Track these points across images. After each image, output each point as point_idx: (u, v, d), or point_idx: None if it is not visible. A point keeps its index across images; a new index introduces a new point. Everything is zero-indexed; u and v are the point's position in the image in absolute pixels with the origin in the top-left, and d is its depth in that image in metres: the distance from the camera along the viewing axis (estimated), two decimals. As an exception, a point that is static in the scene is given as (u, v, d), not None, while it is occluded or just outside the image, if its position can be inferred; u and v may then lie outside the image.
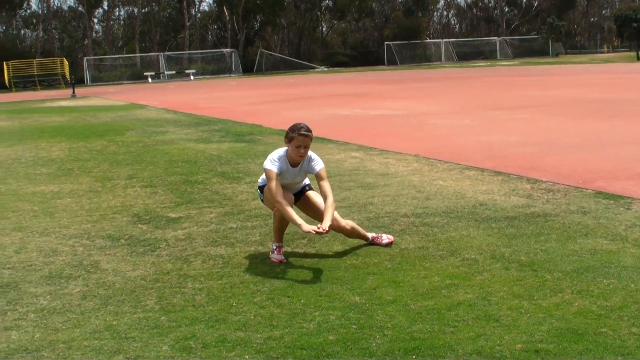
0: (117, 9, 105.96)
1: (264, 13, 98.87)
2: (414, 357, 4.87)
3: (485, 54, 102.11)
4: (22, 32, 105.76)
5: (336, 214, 7.39)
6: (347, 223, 7.62)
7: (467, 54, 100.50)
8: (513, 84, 38.48)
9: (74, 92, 50.50)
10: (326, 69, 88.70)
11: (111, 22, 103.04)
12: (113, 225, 9.17)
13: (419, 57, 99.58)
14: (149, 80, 77.65)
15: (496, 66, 71.24)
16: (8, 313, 6.06)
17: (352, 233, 7.65)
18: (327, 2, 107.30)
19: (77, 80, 66.24)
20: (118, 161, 15.11)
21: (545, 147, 14.11)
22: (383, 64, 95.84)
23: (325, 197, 7.17)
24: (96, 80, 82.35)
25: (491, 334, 5.16)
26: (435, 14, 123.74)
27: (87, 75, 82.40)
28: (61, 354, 5.17)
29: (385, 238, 7.74)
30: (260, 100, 34.03)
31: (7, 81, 73.43)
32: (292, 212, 7.07)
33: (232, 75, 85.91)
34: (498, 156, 13.24)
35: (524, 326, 5.27)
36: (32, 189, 12.20)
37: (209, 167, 13.53)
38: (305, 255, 7.44)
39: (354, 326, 5.39)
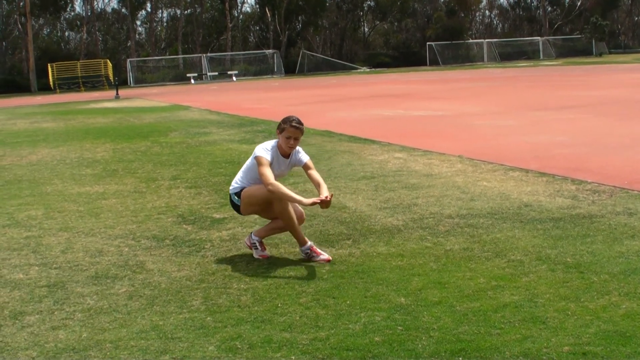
0: (160, 10, 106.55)
1: (306, 14, 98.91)
2: (460, 358, 4.85)
3: (528, 54, 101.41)
4: (67, 34, 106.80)
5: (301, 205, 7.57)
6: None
7: (509, 54, 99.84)
8: (557, 84, 38.19)
9: (117, 94, 50.78)
10: (368, 70, 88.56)
11: (154, 24, 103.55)
12: (158, 225, 9.23)
13: (461, 57, 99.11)
14: (192, 81, 77.94)
15: (539, 66, 70.73)
16: (55, 313, 6.12)
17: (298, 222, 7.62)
18: (369, 2, 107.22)
19: (121, 82, 66.57)
20: (162, 162, 15.20)
21: (591, 148, 14.00)
22: (425, 64, 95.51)
23: (318, 183, 7.39)
24: (139, 81, 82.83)
25: (538, 336, 5.13)
26: (477, 14, 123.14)
27: (130, 77, 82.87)
28: (108, 353, 5.21)
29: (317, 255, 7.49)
30: (303, 101, 34.05)
31: (51, 83, 74.08)
32: (288, 190, 7.30)
33: (274, 76, 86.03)
34: (543, 157, 13.14)
35: (571, 328, 5.23)
36: (77, 189, 12.31)
37: (253, 168, 13.51)
38: (350, 256, 7.43)
39: (399, 327, 5.38)
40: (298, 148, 7.60)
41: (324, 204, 7.05)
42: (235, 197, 7.65)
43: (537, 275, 6.48)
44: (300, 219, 7.66)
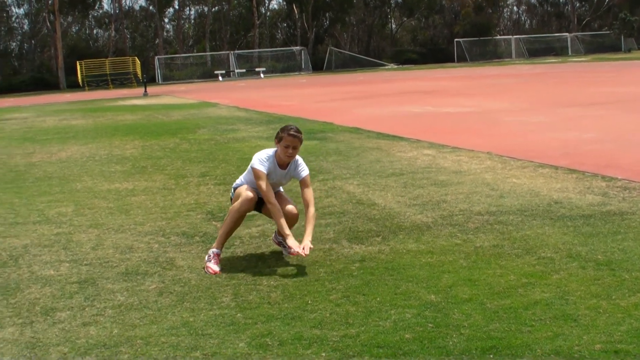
0: (188, 8, 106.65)
1: (334, 10, 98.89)
2: (491, 356, 4.83)
3: (556, 51, 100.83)
4: (95, 32, 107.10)
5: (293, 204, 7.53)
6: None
7: (537, 51, 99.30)
8: (586, 80, 37.96)
9: (145, 91, 50.98)
10: (396, 67, 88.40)
11: (182, 21, 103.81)
12: (187, 222, 9.25)
13: (489, 53, 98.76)
14: (220, 78, 78.11)
15: (568, 62, 70.37)
16: (86, 309, 6.15)
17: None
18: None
19: (149, 79, 66.85)
20: (191, 159, 15.24)
21: (621, 145, 13.91)
22: (453, 61, 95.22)
23: (307, 206, 7.20)
24: (167, 78, 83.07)
25: (569, 333, 5.10)
26: (505, 10, 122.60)
27: (158, 74, 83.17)
28: (139, 349, 5.23)
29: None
30: (331, 98, 34.03)
31: (80, 80, 74.43)
32: (283, 219, 7.12)
33: (301, 73, 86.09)
34: (572, 153, 13.08)
35: (602, 326, 5.20)
36: (107, 186, 12.36)
37: (281, 164, 13.53)
38: (380, 252, 7.42)
39: (430, 325, 5.37)
40: (299, 159, 7.36)
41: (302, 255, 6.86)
42: (233, 190, 7.66)
43: (568, 272, 6.45)
44: (293, 219, 7.45)
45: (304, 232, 7.04)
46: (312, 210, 7.17)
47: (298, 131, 7.21)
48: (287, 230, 7.03)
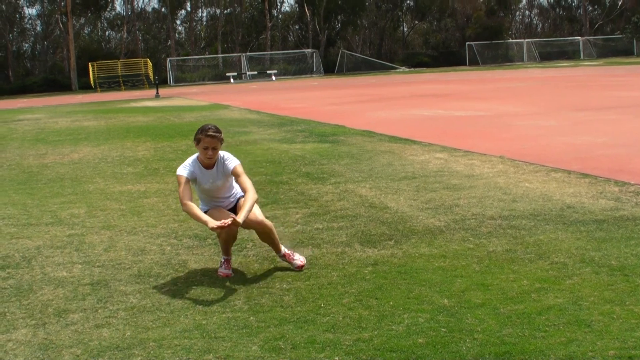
0: (200, 10, 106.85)
1: (345, 13, 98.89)
2: (505, 361, 4.83)
3: (568, 54, 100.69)
4: (107, 33, 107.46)
5: (257, 210, 7.14)
6: (268, 223, 7.17)
7: (549, 54, 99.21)
8: (598, 84, 37.86)
9: (157, 93, 51.06)
10: (407, 70, 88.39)
11: (194, 23, 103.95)
12: (200, 225, 9.24)
13: (501, 57, 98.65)
14: (231, 80, 78.19)
15: (580, 66, 70.25)
16: (99, 311, 6.17)
17: (266, 236, 7.23)
18: (408, 2, 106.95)
19: (161, 81, 67.02)
20: (203, 161, 15.21)
21: (634, 149, 13.87)
22: (464, 64, 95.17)
23: (245, 191, 6.93)
24: (179, 80, 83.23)
25: (583, 339, 5.09)
26: (517, 13, 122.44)
27: (170, 76, 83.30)
28: (152, 352, 5.24)
29: (298, 260, 7.26)
30: (343, 101, 34.04)
31: (92, 81, 74.66)
32: (198, 211, 6.77)
33: (313, 75, 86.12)
34: (585, 158, 13.05)
35: (616, 332, 5.19)
36: (119, 188, 12.38)
37: (293, 167, 13.58)
38: (393, 256, 7.41)
39: (443, 329, 5.36)
40: (224, 155, 7.10)
41: (227, 228, 6.62)
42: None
43: (581, 277, 6.43)
44: (259, 227, 7.11)
45: (240, 211, 6.80)
46: (250, 193, 6.85)
47: (217, 130, 6.97)
48: (205, 217, 6.70)
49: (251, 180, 7.18)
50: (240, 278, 6.93)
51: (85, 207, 10.76)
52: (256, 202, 6.95)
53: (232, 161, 7.08)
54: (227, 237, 7.07)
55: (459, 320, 5.53)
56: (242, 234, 8.57)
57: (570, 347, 4.97)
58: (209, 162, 7.03)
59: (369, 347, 5.12)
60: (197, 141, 6.96)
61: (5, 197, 12.00)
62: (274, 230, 7.26)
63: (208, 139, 6.88)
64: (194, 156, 7.13)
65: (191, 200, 6.83)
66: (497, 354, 4.91)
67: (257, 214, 7.09)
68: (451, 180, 11.47)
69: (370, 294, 6.27)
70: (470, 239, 7.94)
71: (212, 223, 6.52)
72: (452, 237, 8.06)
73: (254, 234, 8.44)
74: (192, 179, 7.04)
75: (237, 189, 7.41)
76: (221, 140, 7.01)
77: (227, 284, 6.76)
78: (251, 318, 5.80)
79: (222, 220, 6.56)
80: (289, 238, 8.30)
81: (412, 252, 7.55)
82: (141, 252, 8.07)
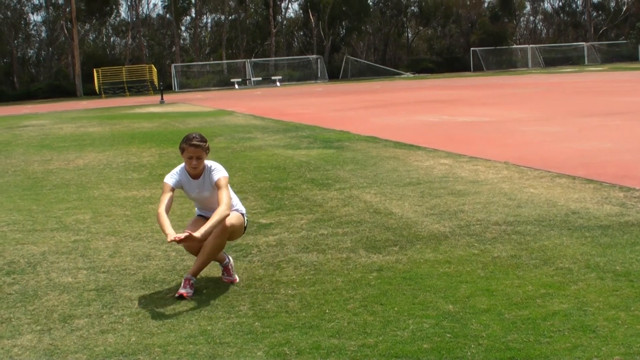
0: (205, 16, 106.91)
1: (350, 19, 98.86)
2: (510, 367, 4.83)
3: (572, 60, 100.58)
4: (112, 39, 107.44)
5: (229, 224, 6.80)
6: (220, 245, 6.85)
7: (554, 60, 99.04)
8: (603, 90, 37.83)
9: (162, 99, 51.08)
10: (412, 75, 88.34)
11: (198, 30, 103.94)
12: (204, 230, 9.25)
13: (505, 63, 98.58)
14: (236, 86, 78.27)
15: (584, 72, 70.15)
16: (104, 316, 6.17)
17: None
18: (412, 8, 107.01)
19: (165, 87, 66.97)
20: (208, 167, 15.22)
21: (638, 155, 13.86)
22: (469, 70, 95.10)
23: (219, 204, 6.66)
24: (184, 86, 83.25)
25: (588, 345, 5.09)
26: (521, 19, 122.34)
27: (174, 82, 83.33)
28: (157, 357, 5.24)
29: (235, 276, 7.10)
30: (347, 107, 34.04)
31: (97, 87, 74.73)
32: (164, 222, 6.59)
33: (318, 81, 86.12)
34: (590, 164, 13.04)
35: (621, 338, 5.18)
36: (124, 193, 12.40)
37: (298, 173, 13.58)
38: (397, 262, 7.41)
39: (448, 335, 5.36)
40: (212, 165, 6.96)
41: (181, 243, 6.47)
42: None
43: (586, 283, 6.43)
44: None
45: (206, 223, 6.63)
46: (221, 208, 6.60)
47: (202, 139, 6.87)
48: (168, 230, 6.49)
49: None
50: (245, 284, 6.93)
51: (91, 213, 10.78)
52: (224, 218, 6.65)
53: (218, 172, 6.92)
54: (189, 250, 7.04)
55: (464, 325, 5.53)
56: (246, 239, 8.59)
57: (575, 353, 4.96)
58: (194, 172, 6.93)
59: (374, 352, 5.12)
60: (182, 150, 6.87)
61: (10, 203, 12.02)
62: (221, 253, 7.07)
63: (192, 148, 6.78)
64: (182, 165, 7.06)
65: (168, 210, 6.78)
66: (502, 360, 4.92)
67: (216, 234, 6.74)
68: (456, 186, 11.47)
69: (375, 299, 6.27)
70: (475, 244, 7.94)
71: (170, 237, 6.35)
72: (457, 242, 8.06)
73: (258, 240, 8.49)
74: (177, 188, 6.99)
75: (238, 204, 7.25)
76: (206, 150, 6.90)
77: (232, 289, 6.77)
78: (256, 324, 5.80)
79: (177, 235, 6.40)
80: (293, 244, 8.31)
81: (417, 257, 7.55)
82: (146, 257, 8.09)
